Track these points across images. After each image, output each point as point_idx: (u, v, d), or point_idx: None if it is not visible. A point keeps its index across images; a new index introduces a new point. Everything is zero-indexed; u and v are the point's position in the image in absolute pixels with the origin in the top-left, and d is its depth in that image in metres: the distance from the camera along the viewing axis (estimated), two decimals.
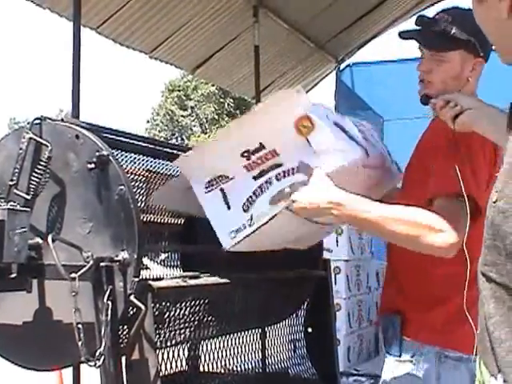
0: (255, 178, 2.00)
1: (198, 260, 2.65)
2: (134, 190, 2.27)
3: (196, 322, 2.20)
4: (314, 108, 1.98)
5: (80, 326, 1.75)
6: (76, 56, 3.99)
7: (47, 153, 1.91)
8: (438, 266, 2.08)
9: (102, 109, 47.00)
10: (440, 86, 2.17)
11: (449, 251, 1.94)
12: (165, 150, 2.48)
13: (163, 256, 2.71)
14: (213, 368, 2.40)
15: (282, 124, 1.96)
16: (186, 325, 2.17)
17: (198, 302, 2.15)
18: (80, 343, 1.75)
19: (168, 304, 2.03)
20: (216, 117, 32.99)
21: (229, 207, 2.03)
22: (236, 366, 2.52)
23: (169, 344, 2.14)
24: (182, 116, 34.43)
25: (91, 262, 1.78)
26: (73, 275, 1.75)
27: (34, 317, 1.91)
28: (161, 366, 2.07)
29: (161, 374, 1.93)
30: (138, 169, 2.46)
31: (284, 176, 1.98)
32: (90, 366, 1.77)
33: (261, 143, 1.98)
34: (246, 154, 2.00)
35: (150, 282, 1.88)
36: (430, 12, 2.83)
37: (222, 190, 2.04)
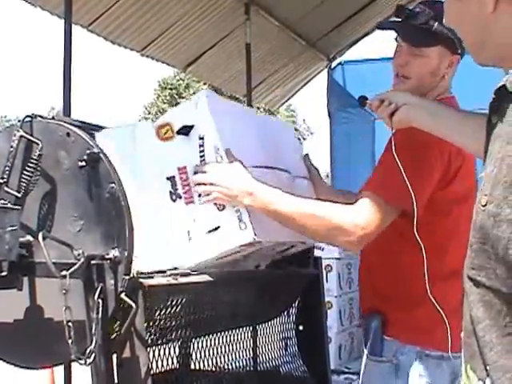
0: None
1: None
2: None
3: (187, 320, 2.20)
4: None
5: (70, 323, 1.75)
6: (67, 54, 3.99)
7: (38, 151, 1.90)
8: (414, 264, 2.09)
9: (94, 106, 46.92)
10: (416, 81, 2.16)
11: (353, 248, 2.04)
12: None
13: None
14: (204, 366, 2.40)
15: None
16: (177, 322, 2.16)
17: (188, 299, 2.15)
18: (70, 341, 1.74)
19: (159, 302, 2.03)
20: None
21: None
22: (227, 364, 2.52)
23: (160, 342, 2.14)
24: None
25: (82, 260, 1.78)
26: (63, 273, 1.75)
27: (25, 315, 1.91)
28: (152, 363, 2.08)
29: (152, 372, 1.94)
30: None
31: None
32: (81, 364, 1.77)
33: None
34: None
35: (141, 279, 1.88)
36: (411, 4, 2.79)
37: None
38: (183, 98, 33.96)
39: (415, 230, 2.00)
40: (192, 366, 2.42)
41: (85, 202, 1.87)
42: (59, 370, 3.77)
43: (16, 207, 1.86)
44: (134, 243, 1.85)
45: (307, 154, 2.52)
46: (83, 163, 1.86)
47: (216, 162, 1.96)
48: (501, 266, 1.14)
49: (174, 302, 2.07)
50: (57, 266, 1.76)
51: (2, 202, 1.88)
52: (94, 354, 1.75)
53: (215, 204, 1.96)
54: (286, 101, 8.19)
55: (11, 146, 1.93)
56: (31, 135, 1.93)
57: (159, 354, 2.17)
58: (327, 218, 1.96)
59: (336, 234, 1.97)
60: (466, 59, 1.83)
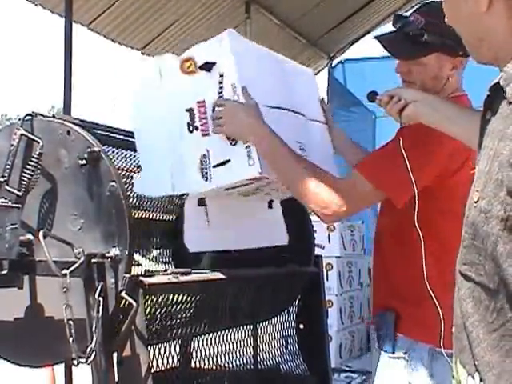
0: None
1: (190, 256, 2.64)
2: (126, 186, 2.27)
3: (187, 319, 2.20)
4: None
5: (71, 322, 1.75)
6: (68, 52, 3.99)
7: (38, 149, 1.91)
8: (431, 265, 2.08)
9: (95, 105, 46.89)
10: (420, 86, 2.16)
11: (324, 219, 2.06)
12: None
13: (155, 252, 2.71)
14: (204, 364, 2.40)
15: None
16: (178, 321, 2.17)
17: (189, 298, 2.15)
18: (71, 339, 1.75)
19: (159, 300, 2.03)
20: None
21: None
22: (227, 363, 2.52)
23: (160, 340, 2.14)
24: None
25: (82, 259, 1.78)
26: (64, 271, 1.75)
27: (25, 313, 1.91)
28: (152, 362, 2.08)
29: (152, 370, 1.94)
30: (130, 165, 2.46)
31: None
32: (82, 362, 1.77)
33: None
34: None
35: (142, 278, 1.88)
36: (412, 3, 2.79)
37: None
38: None
39: (416, 222, 1.99)
40: (192, 365, 2.42)
41: (85, 201, 1.87)
42: (59, 369, 3.75)
43: (16, 206, 1.86)
44: (134, 241, 1.85)
45: (323, 99, 2.57)
46: (84, 162, 1.86)
47: (232, 100, 2.02)
48: (489, 262, 1.15)
49: (174, 301, 2.07)
50: (57, 265, 1.76)
51: (3, 200, 1.88)
52: (94, 353, 1.75)
53: (229, 138, 2.03)
54: None
55: (12, 145, 1.93)
56: (32, 134, 1.93)
57: (160, 353, 2.17)
58: (313, 182, 2.00)
59: (312, 200, 2.03)
60: None
